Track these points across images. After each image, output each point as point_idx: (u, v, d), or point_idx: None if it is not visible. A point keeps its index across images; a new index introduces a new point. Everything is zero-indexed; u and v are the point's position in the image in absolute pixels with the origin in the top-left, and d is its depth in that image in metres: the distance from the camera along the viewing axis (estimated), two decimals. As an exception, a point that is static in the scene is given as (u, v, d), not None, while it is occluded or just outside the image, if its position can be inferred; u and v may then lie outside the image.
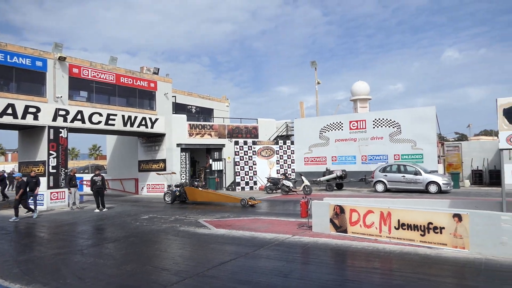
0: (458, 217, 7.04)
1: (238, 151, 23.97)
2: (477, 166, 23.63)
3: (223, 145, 25.45)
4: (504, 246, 6.55)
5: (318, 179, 22.14)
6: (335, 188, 21.87)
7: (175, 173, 21.95)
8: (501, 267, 6.13)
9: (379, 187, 20.14)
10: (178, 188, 17.60)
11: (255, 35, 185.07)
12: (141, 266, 6.84)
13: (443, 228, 7.20)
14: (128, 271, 6.57)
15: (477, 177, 23.38)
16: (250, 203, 15.21)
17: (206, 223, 11.33)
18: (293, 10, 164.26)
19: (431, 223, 7.36)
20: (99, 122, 19.35)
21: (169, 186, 18.75)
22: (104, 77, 19.75)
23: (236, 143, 24.18)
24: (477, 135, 47.79)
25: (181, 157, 23.65)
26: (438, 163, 22.34)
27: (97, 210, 15.38)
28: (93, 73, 19.24)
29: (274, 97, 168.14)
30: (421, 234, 7.49)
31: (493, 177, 22.83)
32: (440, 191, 18.25)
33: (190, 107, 28.17)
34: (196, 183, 18.25)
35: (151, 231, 10.45)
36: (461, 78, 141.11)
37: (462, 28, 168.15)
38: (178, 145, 23.49)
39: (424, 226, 7.46)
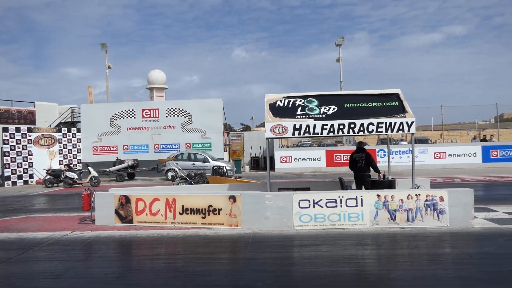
0: (233, 198, 7.86)
1: (7, 140, 20.15)
2: (255, 154, 27.15)
3: (-13, 132, 20.94)
4: (267, 220, 7.70)
5: (108, 169, 20.94)
6: (126, 178, 21.19)
7: None
8: (265, 238, 7.18)
9: (171, 175, 20.60)
10: (194, 179, 13.22)
11: (37, 5, 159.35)
12: None
13: (221, 209, 7.91)
14: None
15: (255, 163, 26.86)
16: None
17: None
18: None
19: (211, 206, 7.97)
20: None
21: (173, 177, 13.62)
22: None
23: (5, 130, 20.26)
24: (258, 126, 54.67)
25: None
26: (224, 151, 24.59)
27: None
28: None
29: (61, 79, 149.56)
30: (202, 217, 8.02)
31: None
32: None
33: None
34: (222, 169, 13.83)
35: None
36: (247, 75, 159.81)
37: (248, 31, 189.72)
38: None
39: (205, 209, 8.01)
